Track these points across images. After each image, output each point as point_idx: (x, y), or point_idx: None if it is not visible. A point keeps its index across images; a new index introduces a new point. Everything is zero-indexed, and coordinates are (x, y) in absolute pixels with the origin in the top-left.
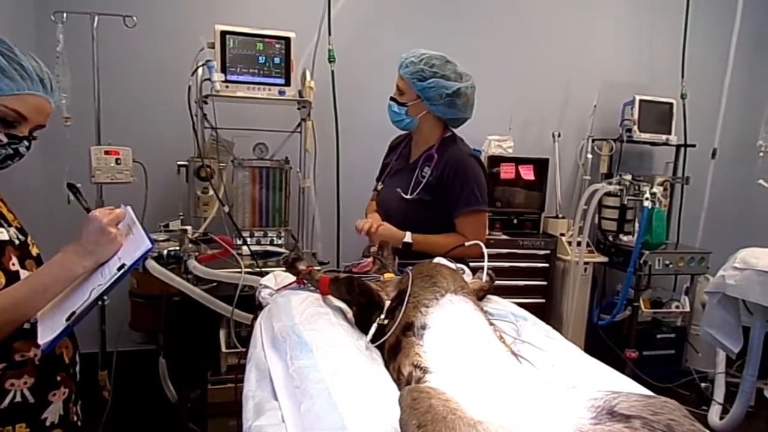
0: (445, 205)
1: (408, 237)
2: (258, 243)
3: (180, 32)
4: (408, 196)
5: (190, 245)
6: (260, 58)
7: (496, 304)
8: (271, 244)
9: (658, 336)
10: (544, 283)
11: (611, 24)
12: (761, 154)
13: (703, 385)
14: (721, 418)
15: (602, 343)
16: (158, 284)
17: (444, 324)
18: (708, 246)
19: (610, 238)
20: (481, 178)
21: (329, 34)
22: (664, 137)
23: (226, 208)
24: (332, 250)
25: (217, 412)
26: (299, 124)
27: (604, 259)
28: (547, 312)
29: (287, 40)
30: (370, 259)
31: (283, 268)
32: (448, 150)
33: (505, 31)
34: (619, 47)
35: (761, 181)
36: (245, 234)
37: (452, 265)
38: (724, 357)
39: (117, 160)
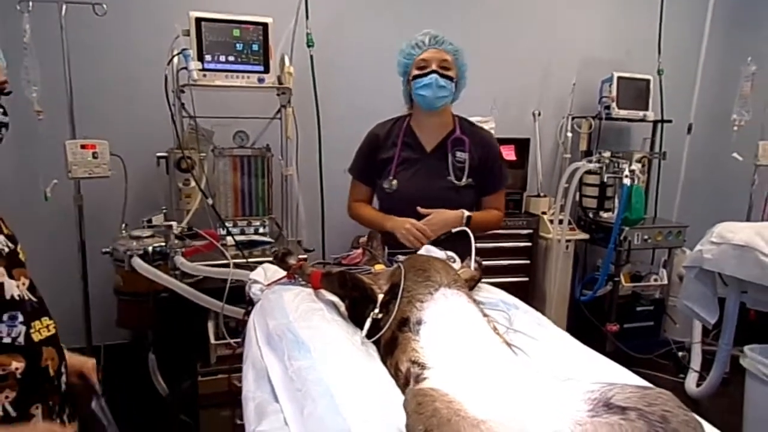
0: (482, 185)
1: (467, 213)
2: (242, 232)
3: (153, 19)
4: (462, 183)
5: (176, 241)
6: (237, 45)
7: (487, 292)
8: (256, 233)
9: (638, 309)
10: (528, 261)
11: (587, 2)
12: (735, 128)
13: (680, 354)
14: (698, 385)
15: (584, 317)
16: (145, 281)
17: (439, 318)
18: (684, 219)
19: (591, 215)
20: None
21: (306, 17)
22: (641, 113)
23: (210, 201)
24: (317, 237)
25: (209, 404)
26: (279, 111)
27: (585, 236)
28: (531, 290)
29: (264, 25)
30: (360, 251)
31: (271, 259)
32: (474, 131)
33: (484, 13)
34: (596, 23)
35: (735, 154)
36: (229, 224)
37: (442, 254)
38: (700, 327)
39: (94, 154)
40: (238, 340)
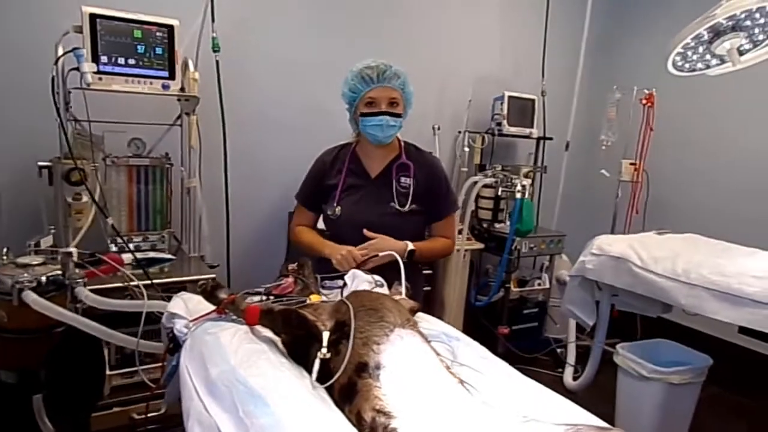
0: (430, 211)
1: (410, 245)
2: (138, 249)
3: (36, 10)
4: (405, 209)
5: (77, 270)
6: (139, 47)
7: (428, 323)
8: (153, 249)
9: (524, 311)
10: (431, 271)
11: (481, 24)
12: (603, 147)
13: (559, 350)
14: (574, 379)
15: (479, 322)
16: (35, 316)
17: (398, 362)
18: (562, 228)
19: (485, 226)
20: None
21: (213, 20)
22: (527, 131)
23: (110, 220)
24: (221, 251)
25: None
26: (179, 117)
27: (480, 245)
28: (433, 298)
29: (170, 28)
30: (291, 280)
31: (190, 290)
32: (419, 157)
33: (387, 29)
34: (489, 45)
35: (603, 171)
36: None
37: (370, 278)
38: (575, 325)
39: None
40: (143, 368)
